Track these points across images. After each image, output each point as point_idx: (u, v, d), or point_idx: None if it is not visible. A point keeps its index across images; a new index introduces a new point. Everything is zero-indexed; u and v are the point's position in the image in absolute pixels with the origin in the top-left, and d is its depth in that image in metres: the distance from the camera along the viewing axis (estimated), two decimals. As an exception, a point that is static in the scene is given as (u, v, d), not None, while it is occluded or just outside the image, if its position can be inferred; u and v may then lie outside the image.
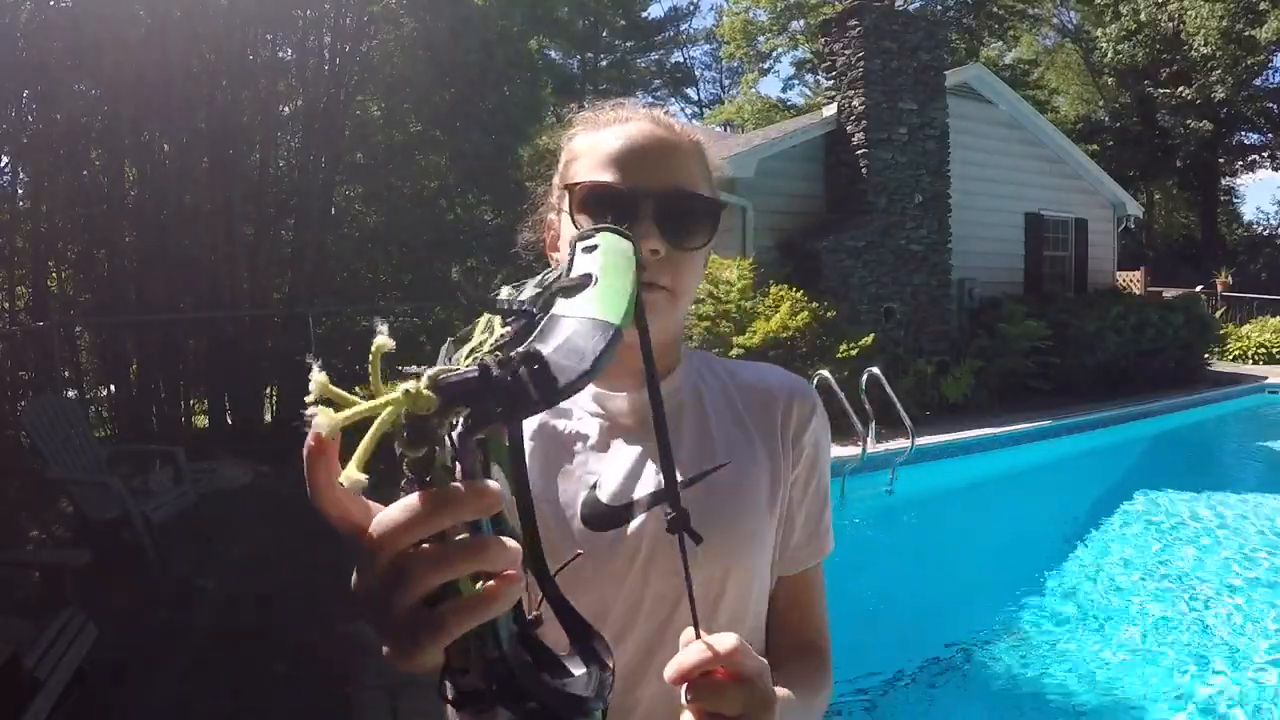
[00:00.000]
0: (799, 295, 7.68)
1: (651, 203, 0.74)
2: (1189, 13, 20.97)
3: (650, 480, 0.78)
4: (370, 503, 0.37)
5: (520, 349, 0.35)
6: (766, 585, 0.83)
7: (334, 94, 8.29)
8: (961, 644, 3.75)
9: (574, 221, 0.76)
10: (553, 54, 26.97)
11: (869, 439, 6.02)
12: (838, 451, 6.13)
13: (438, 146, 9.27)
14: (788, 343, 7.32)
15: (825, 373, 5.90)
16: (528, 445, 0.78)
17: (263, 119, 8.32)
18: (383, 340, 0.38)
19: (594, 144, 0.79)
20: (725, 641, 0.57)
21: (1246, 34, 20.47)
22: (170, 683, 3.08)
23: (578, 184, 0.76)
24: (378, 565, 0.35)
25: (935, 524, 5.93)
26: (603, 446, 0.80)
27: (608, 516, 0.76)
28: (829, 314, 7.72)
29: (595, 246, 0.45)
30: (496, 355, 0.35)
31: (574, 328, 0.36)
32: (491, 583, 0.35)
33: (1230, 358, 13.44)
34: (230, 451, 6.58)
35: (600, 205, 0.75)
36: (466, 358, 0.39)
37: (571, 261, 0.44)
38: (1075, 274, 11.86)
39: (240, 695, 3.04)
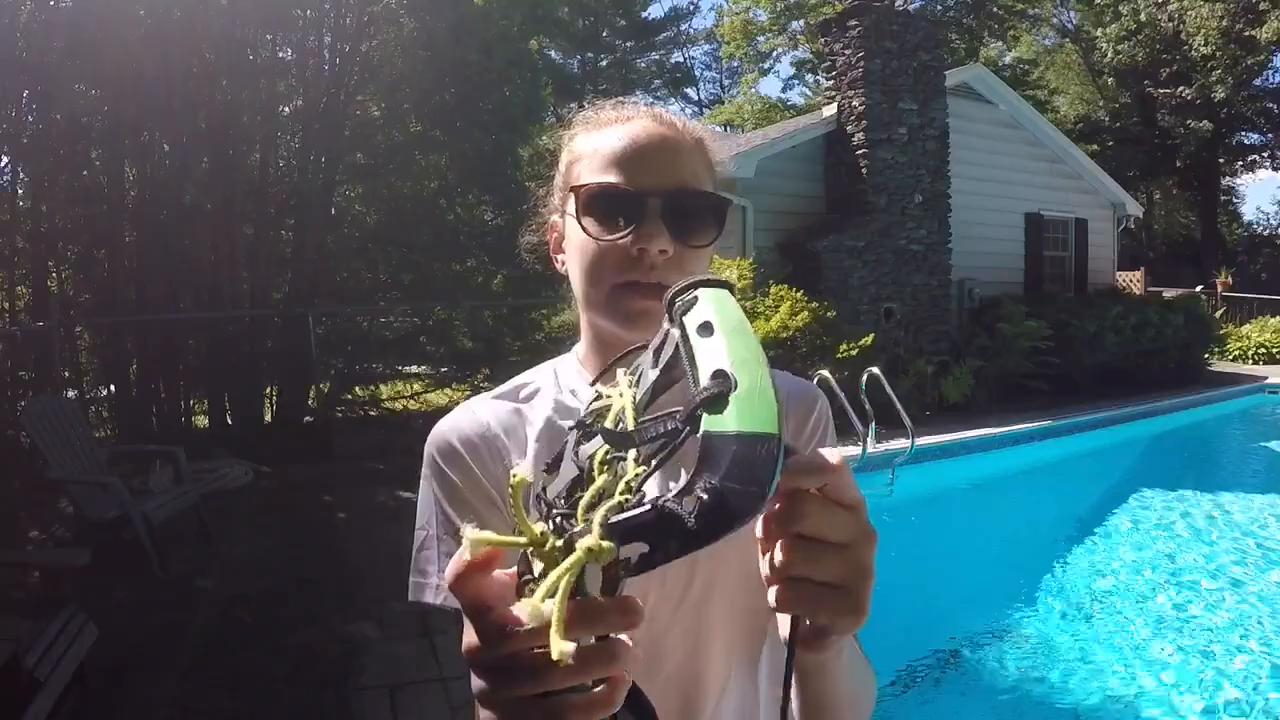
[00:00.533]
0: (799, 295, 7.68)
1: (658, 202, 0.74)
2: (1189, 13, 20.96)
3: (653, 484, 0.77)
4: (500, 575, 0.37)
5: (694, 482, 0.34)
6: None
7: (334, 94, 8.29)
8: (961, 644, 3.75)
9: (580, 224, 0.75)
10: (553, 54, 26.98)
11: (869, 439, 6.02)
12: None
13: (438, 146, 9.26)
14: (788, 343, 7.32)
15: (825, 373, 5.90)
16: (533, 448, 0.78)
17: (263, 119, 8.31)
18: (523, 473, 0.38)
19: (596, 144, 0.78)
20: (831, 455, 0.46)
21: (1246, 34, 20.47)
22: (170, 683, 3.08)
23: (583, 186, 0.76)
24: (505, 645, 0.36)
25: (935, 524, 5.93)
26: None
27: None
28: (829, 314, 7.72)
29: (710, 325, 0.39)
30: (647, 481, 0.35)
31: (735, 448, 0.34)
32: (605, 687, 0.36)
33: (1230, 358, 13.44)
34: (230, 451, 6.58)
35: (607, 207, 0.75)
36: (602, 469, 0.37)
37: (689, 345, 0.39)
38: (1075, 274, 11.86)
39: (240, 695, 3.04)
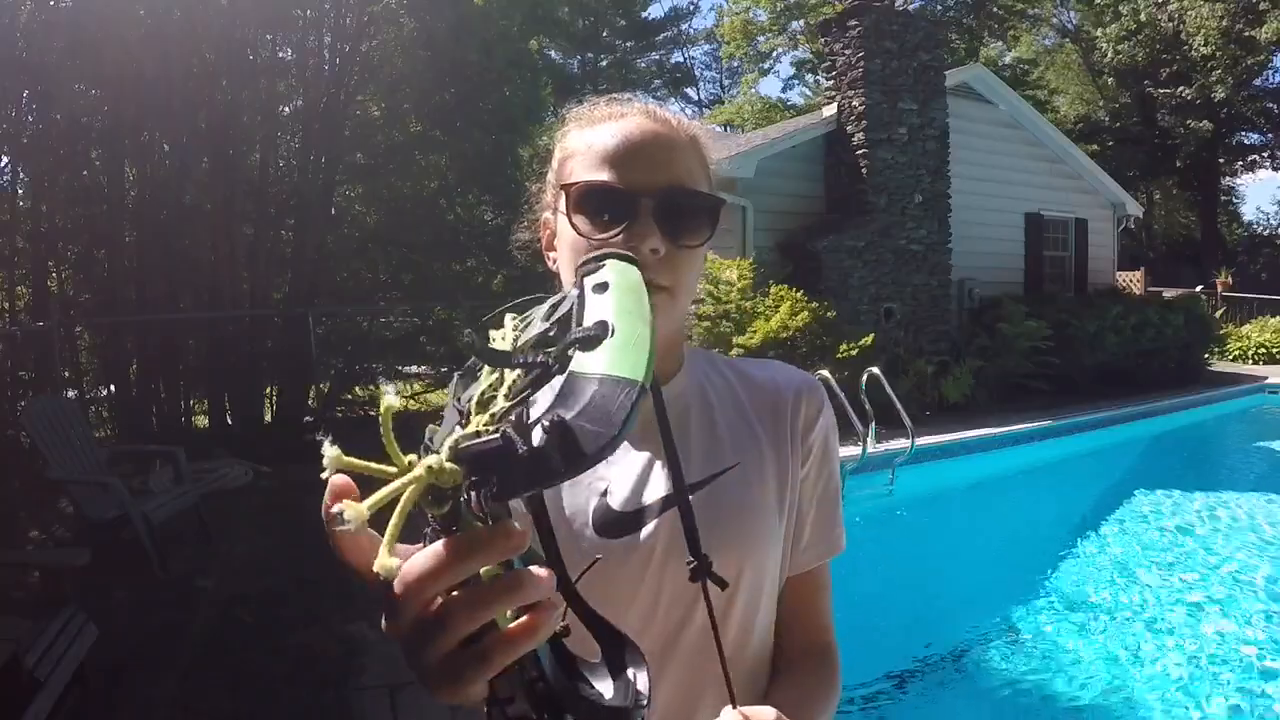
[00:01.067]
0: (799, 295, 7.68)
1: (650, 201, 0.73)
2: (1189, 13, 20.96)
3: (660, 485, 0.77)
4: (400, 546, 0.36)
5: (544, 415, 0.33)
6: (777, 584, 0.83)
7: (334, 94, 8.29)
8: (961, 644, 3.75)
9: (571, 222, 0.75)
10: (553, 54, 26.98)
11: (869, 439, 6.02)
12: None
13: (438, 146, 9.26)
14: (788, 343, 7.32)
15: (825, 373, 5.89)
16: None
17: (263, 119, 8.31)
18: (391, 401, 0.37)
19: (589, 141, 0.77)
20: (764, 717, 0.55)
21: (1246, 34, 20.47)
22: (170, 683, 3.08)
23: (574, 184, 0.75)
24: (411, 611, 0.35)
25: (935, 524, 5.93)
26: None
27: (620, 523, 0.76)
28: (829, 314, 7.72)
29: (606, 285, 0.41)
30: (512, 415, 0.35)
31: (595, 388, 0.34)
32: (528, 616, 0.35)
33: (1230, 358, 13.44)
34: (230, 451, 6.58)
35: (598, 205, 0.74)
36: (479, 410, 0.36)
37: (582, 301, 0.41)
38: (1075, 274, 11.86)
39: (240, 695, 3.04)
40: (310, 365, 8.00)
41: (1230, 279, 17.29)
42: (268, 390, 8.38)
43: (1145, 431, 8.63)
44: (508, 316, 0.45)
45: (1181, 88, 22.39)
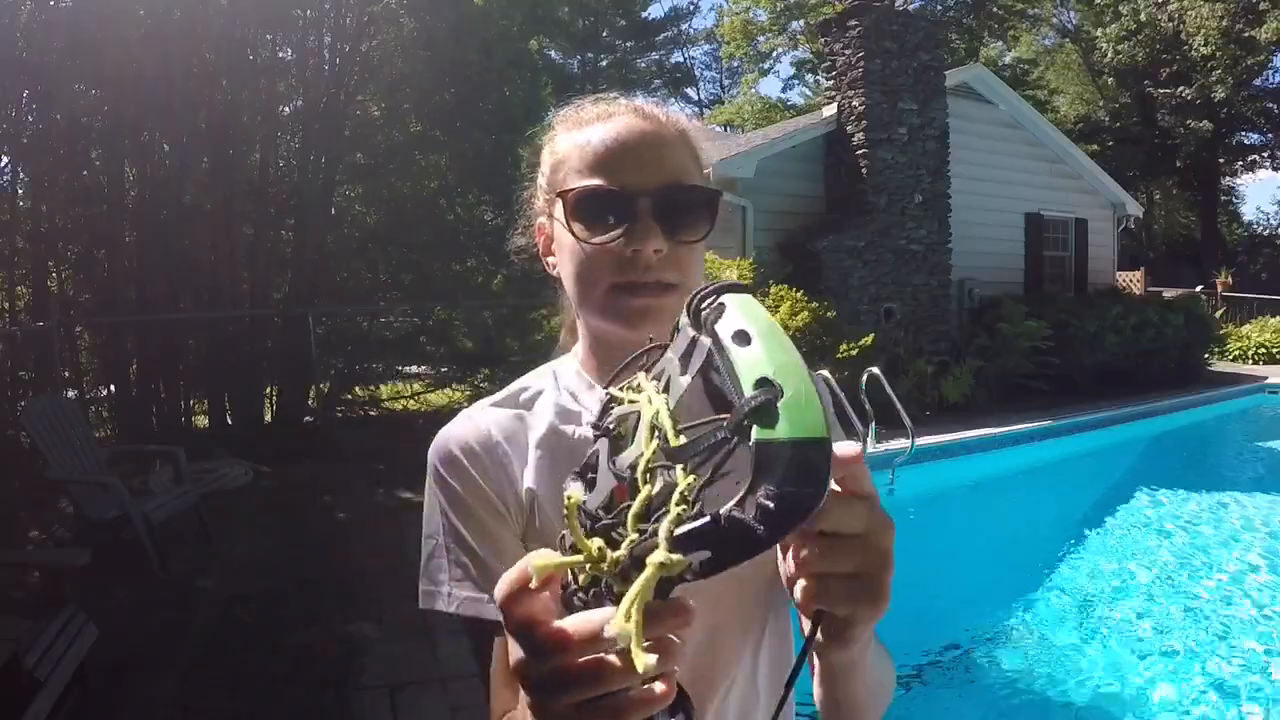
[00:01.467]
0: (799, 295, 7.68)
1: (648, 201, 0.72)
2: (1189, 13, 20.96)
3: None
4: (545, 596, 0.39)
5: (754, 490, 0.35)
6: (772, 591, 0.81)
7: (334, 94, 8.29)
8: (961, 644, 3.75)
9: (569, 229, 0.74)
10: (553, 54, 26.98)
11: (869, 439, 6.01)
12: (838, 451, 6.12)
13: (438, 146, 9.26)
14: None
15: (825, 373, 5.88)
16: (535, 454, 0.77)
17: (263, 119, 8.31)
18: (577, 494, 0.40)
19: (579, 144, 0.77)
20: (848, 448, 0.45)
21: (1246, 34, 20.47)
22: (170, 683, 3.08)
23: (569, 190, 0.74)
24: (561, 660, 0.37)
25: (935, 524, 5.93)
26: None
27: None
28: (829, 314, 7.72)
29: (746, 335, 0.40)
30: (702, 489, 0.36)
31: (790, 454, 0.35)
32: (664, 683, 0.37)
33: (1230, 358, 13.44)
34: (230, 451, 6.58)
35: (595, 209, 0.73)
36: (644, 480, 0.38)
37: (723, 352, 0.40)
38: (1075, 274, 11.86)
39: (240, 695, 3.04)
40: (310, 365, 8.00)
41: (1230, 279, 17.29)
42: (268, 390, 8.38)
43: (1145, 431, 8.63)
44: (640, 375, 0.45)
45: (1181, 88, 22.39)
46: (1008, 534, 5.76)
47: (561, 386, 0.82)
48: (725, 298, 0.42)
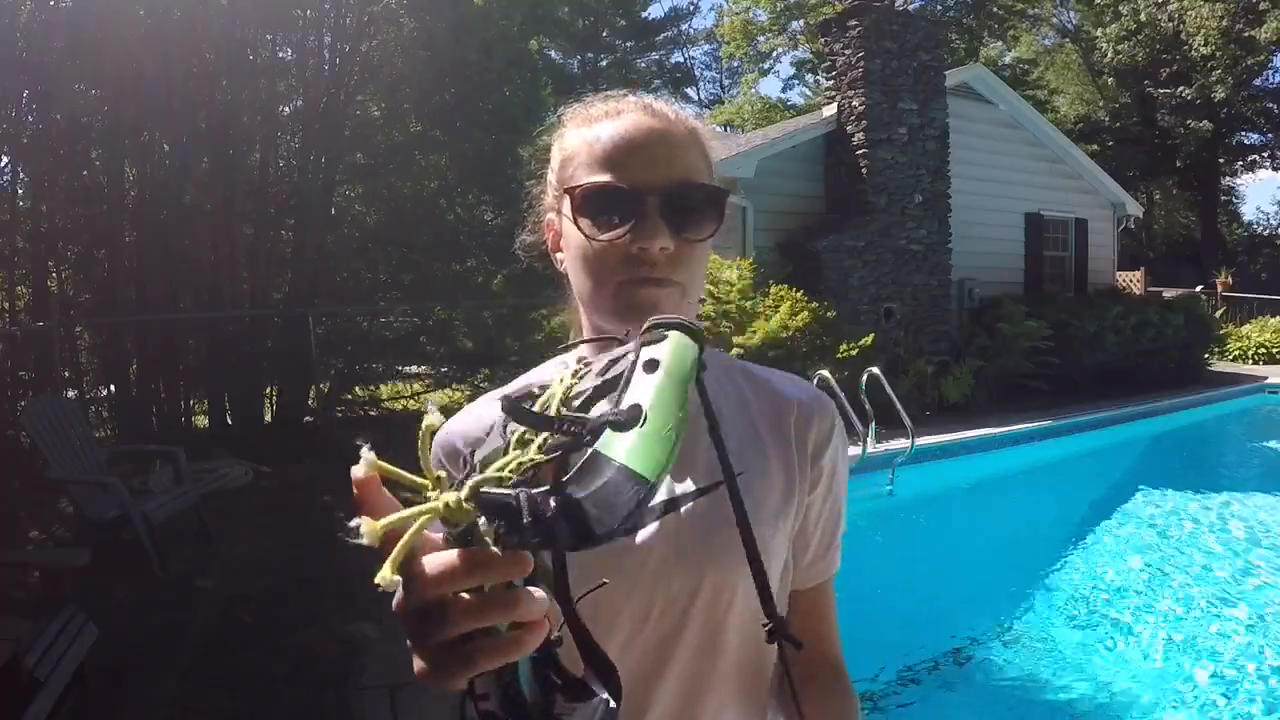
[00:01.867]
0: (799, 295, 7.67)
1: (656, 199, 0.73)
2: (1189, 13, 20.96)
3: (663, 489, 0.77)
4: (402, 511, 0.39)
5: (562, 487, 0.37)
6: (774, 594, 0.83)
7: (334, 94, 8.28)
8: (961, 644, 3.75)
9: (576, 224, 0.75)
10: (553, 54, 26.97)
11: (869, 439, 6.02)
12: (838, 451, 6.14)
13: (438, 146, 9.26)
14: (788, 343, 7.32)
15: (825, 373, 5.89)
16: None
17: (263, 119, 8.31)
18: (433, 420, 0.42)
19: (588, 140, 0.77)
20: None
21: (1246, 34, 20.47)
22: (170, 683, 3.08)
23: (578, 187, 0.75)
24: (417, 600, 0.39)
25: (935, 524, 5.93)
26: None
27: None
28: (829, 314, 7.72)
29: (656, 364, 0.43)
30: (532, 475, 0.38)
31: (610, 476, 0.37)
32: (519, 631, 0.39)
33: (1230, 358, 13.44)
34: (230, 451, 6.58)
35: (603, 206, 0.73)
36: (517, 446, 0.40)
37: (632, 371, 0.43)
38: (1075, 274, 11.86)
39: (240, 695, 3.04)
40: (310, 365, 8.00)
41: (1230, 279, 17.29)
42: (268, 390, 8.38)
43: (1145, 431, 8.63)
44: (574, 355, 0.46)
45: (1181, 88, 22.39)
46: (1008, 534, 5.76)
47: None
48: (673, 333, 0.46)
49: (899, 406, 6.12)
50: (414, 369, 9.70)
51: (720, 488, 0.78)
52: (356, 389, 8.99)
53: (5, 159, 7.34)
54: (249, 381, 8.02)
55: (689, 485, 0.78)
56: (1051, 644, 3.76)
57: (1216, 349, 12.93)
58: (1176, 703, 3.19)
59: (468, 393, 9.11)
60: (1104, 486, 6.71)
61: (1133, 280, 14.17)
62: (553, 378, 0.44)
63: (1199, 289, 14.96)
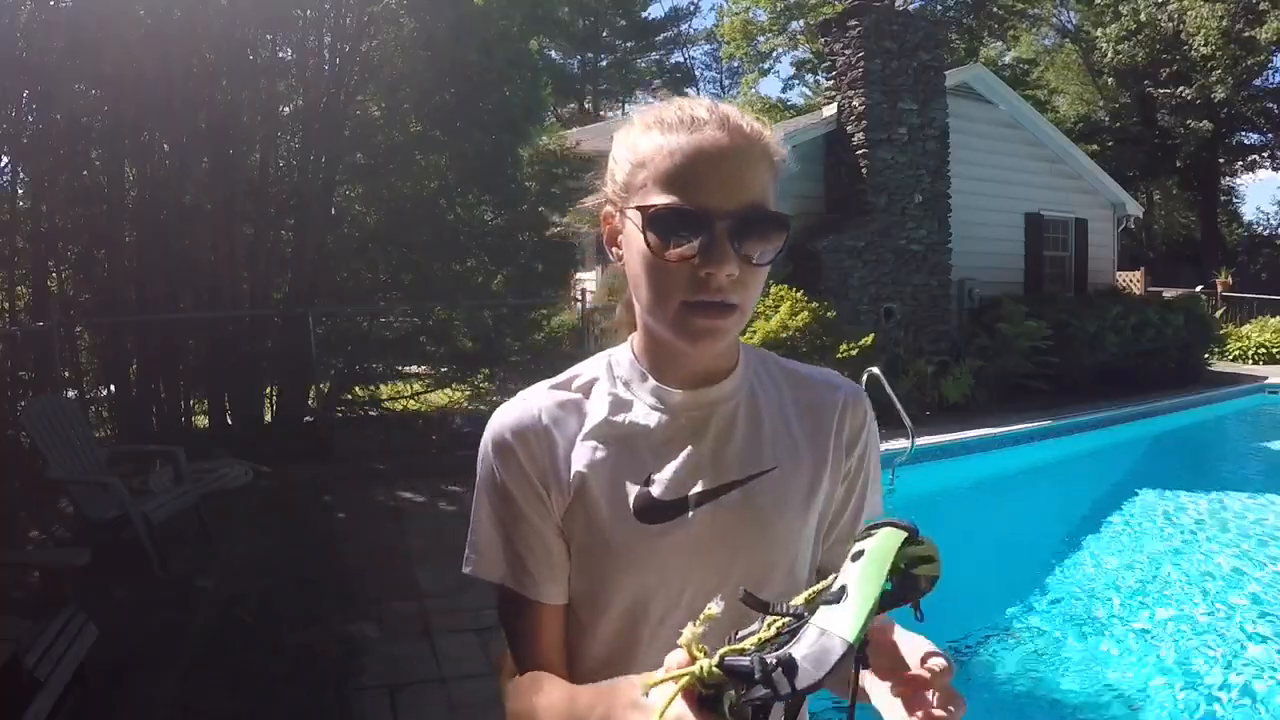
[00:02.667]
0: (799, 295, 7.68)
1: (726, 224, 0.73)
2: (1189, 13, 20.95)
3: (702, 481, 0.82)
4: None
5: (781, 653, 0.51)
6: (803, 587, 0.84)
7: (334, 94, 8.28)
8: (962, 644, 3.75)
9: (645, 239, 0.75)
10: (553, 54, 26.98)
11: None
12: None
13: (438, 146, 9.24)
14: (788, 343, 7.32)
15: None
16: (586, 441, 0.82)
17: (263, 119, 8.31)
18: (713, 610, 0.57)
19: (666, 151, 0.76)
20: (943, 662, 0.66)
21: (1246, 34, 20.47)
22: (170, 683, 3.08)
23: (650, 206, 0.75)
24: None
25: (935, 524, 5.89)
26: (661, 441, 0.83)
27: (658, 510, 0.80)
28: (829, 314, 7.72)
29: (861, 553, 0.57)
30: (769, 646, 0.53)
31: (819, 637, 0.52)
32: None
33: (1230, 358, 13.43)
34: (230, 451, 6.57)
35: (674, 225, 0.74)
36: (748, 634, 0.55)
37: (843, 566, 0.57)
38: (1075, 274, 11.86)
39: (240, 695, 3.04)
40: (310, 365, 8.00)
41: (1230, 279, 17.28)
42: (268, 390, 8.37)
43: (1145, 431, 8.62)
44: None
45: (1181, 88, 22.38)
46: (1008, 534, 5.76)
47: (616, 376, 0.86)
48: (880, 530, 0.60)
49: (899, 406, 6.11)
50: (414, 369, 9.69)
51: (754, 481, 0.82)
52: (356, 389, 8.98)
53: (5, 159, 7.34)
54: (249, 381, 8.01)
55: (726, 477, 0.82)
56: (1051, 644, 3.76)
57: (1216, 349, 12.93)
58: (1177, 702, 3.19)
59: (468, 393, 9.10)
60: (1104, 486, 6.71)
61: (1133, 280, 14.16)
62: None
63: (1199, 289, 14.96)
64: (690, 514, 0.80)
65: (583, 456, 0.81)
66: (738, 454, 0.83)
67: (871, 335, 7.80)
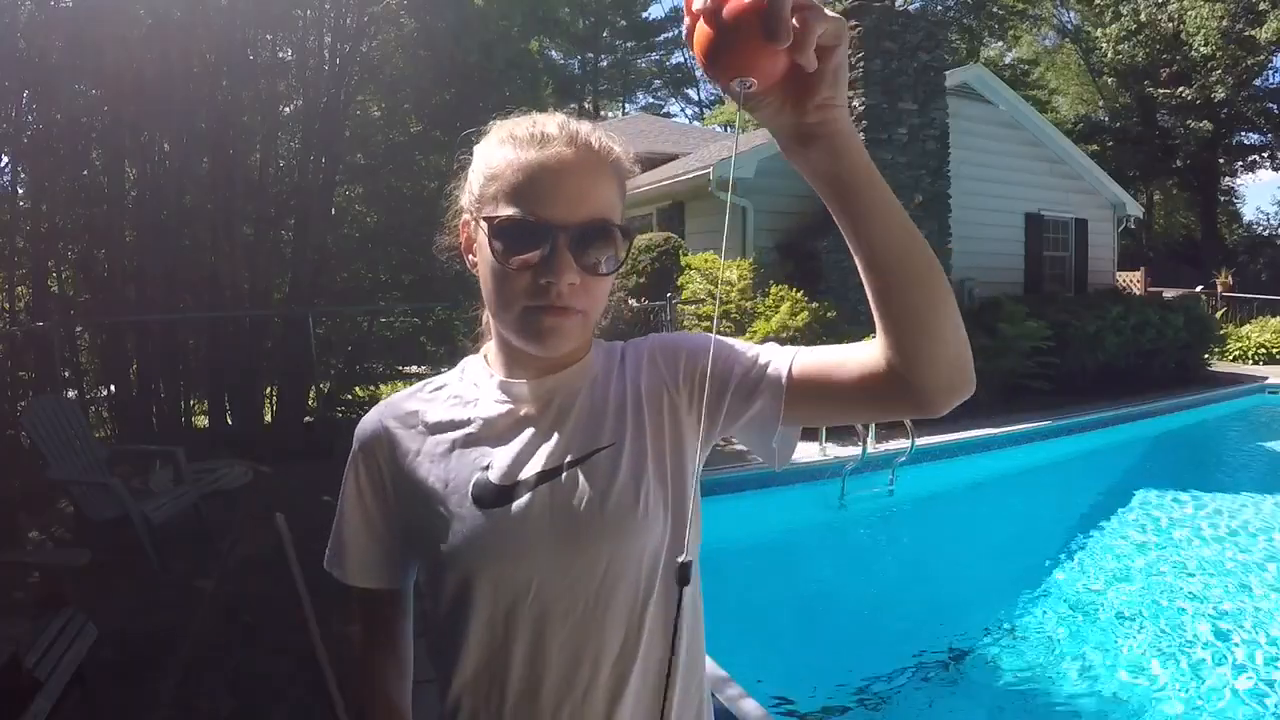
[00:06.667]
0: (799, 295, 7.68)
1: (567, 236, 0.78)
2: (1189, 13, 20.96)
3: (539, 462, 0.84)
4: None
5: None
6: (660, 561, 0.84)
7: (334, 94, 8.29)
8: (961, 644, 3.75)
9: (491, 247, 0.80)
10: (553, 54, 27.00)
11: (869, 439, 6.02)
12: (837, 451, 6.15)
13: (438, 146, 9.26)
14: (787, 343, 7.32)
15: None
16: (433, 441, 0.88)
17: (263, 119, 8.31)
18: None
19: (514, 165, 0.80)
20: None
21: (1246, 34, 20.48)
22: (170, 683, 3.08)
23: (496, 217, 0.79)
24: None
25: (935, 524, 5.93)
26: (503, 429, 0.86)
27: (495, 494, 0.83)
28: (829, 314, 7.72)
29: None
30: None
31: None
32: None
33: (1230, 358, 13.43)
34: (230, 451, 6.58)
35: (518, 237, 0.78)
36: None
37: None
38: (1075, 274, 11.86)
39: (240, 695, 3.04)
40: (310, 365, 8.00)
41: (1230, 279, 17.28)
42: (268, 390, 8.38)
43: (1145, 431, 8.62)
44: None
45: (1181, 88, 22.39)
46: (1008, 534, 5.76)
47: (466, 378, 0.92)
48: None
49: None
50: (414, 369, 9.70)
51: (591, 459, 0.84)
52: (357, 389, 8.98)
53: (5, 159, 7.35)
54: (249, 381, 8.01)
55: (564, 459, 0.83)
56: (1051, 644, 3.76)
57: (1216, 349, 12.92)
58: (1177, 702, 3.19)
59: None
60: (1104, 487, 6.71)
61: (1133, 280, 14.17)
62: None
63: (1199, 289, 14.96)
64: (528, 495, 0.81)
65: (427, 452, 0.87)
66: (576, 435, 0.85)
67: (871, 335, 7.80)
